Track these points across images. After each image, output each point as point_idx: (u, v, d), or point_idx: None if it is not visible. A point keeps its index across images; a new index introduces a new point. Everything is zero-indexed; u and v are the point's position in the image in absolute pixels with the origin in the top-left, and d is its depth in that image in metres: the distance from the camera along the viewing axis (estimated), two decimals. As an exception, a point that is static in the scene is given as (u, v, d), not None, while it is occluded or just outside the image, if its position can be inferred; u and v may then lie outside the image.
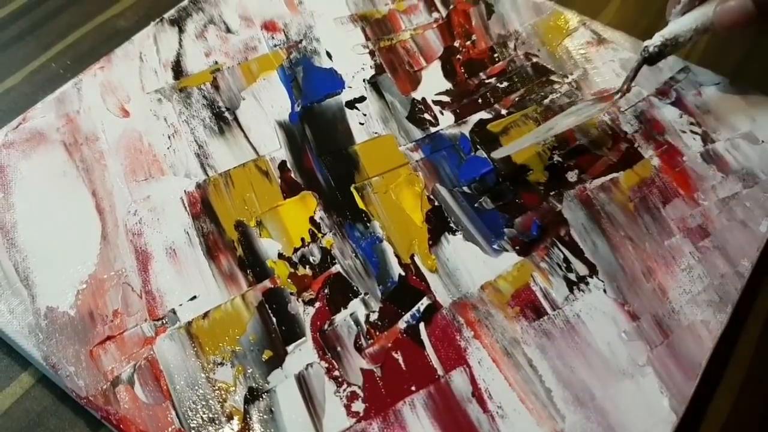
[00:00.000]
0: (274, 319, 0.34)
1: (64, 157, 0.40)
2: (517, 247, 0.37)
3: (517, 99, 0.43)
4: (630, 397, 0.32)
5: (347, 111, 0.42)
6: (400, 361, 0.33)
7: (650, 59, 0.40)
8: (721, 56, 0.48)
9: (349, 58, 0.45)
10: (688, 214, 0.38)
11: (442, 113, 0.43)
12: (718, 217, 0.38)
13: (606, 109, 0.41)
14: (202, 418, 0.32)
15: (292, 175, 0.40)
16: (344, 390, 0.33)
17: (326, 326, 0.34)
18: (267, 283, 0.36)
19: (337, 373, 0.33)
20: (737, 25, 0.39)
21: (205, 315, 0.34)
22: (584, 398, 0.32)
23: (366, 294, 0.35)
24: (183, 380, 0.32)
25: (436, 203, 0.39)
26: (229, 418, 0.32)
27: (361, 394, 0.32)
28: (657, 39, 0.39)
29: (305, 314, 0.35)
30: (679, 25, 0.39)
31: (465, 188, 0.39)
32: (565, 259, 0.37)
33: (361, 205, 0.39)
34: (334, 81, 0.44)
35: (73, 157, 0.40)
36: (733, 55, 0.48)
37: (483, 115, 0.42)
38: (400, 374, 0.33)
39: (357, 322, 0.35)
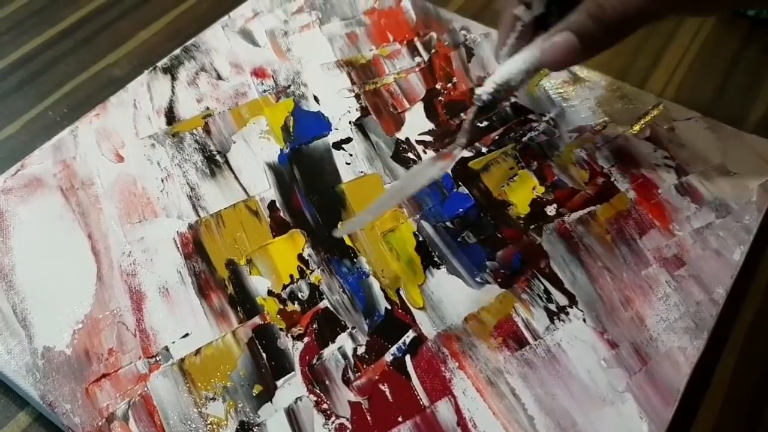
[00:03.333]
0: (263, 355, 0.35)
1: (61, 202, 0.41)
2: (499, 280, 0.38)
3: (496, 137, 0.45)
4: (610, 423, 0.33)
5: (334, 152, 0.44)
6: (387, 392, 0.34)
7: (484, 107, 0.38)
8: (693, 93, 0.50)
9: (336, 102, 0.47)
10: (663, 244, 0.40)
11: (425, 152, 0.44)
12: (693, 246, 0.40)
13: (448, 167, 0.41)
14: (194, 452, 0.32)
15: (281, 214, 0.41)
16: (333, 422, 0.33)
17: (315, 360, 0.35)
18: (257, 320, 0.37)
19: (325, 406, 0.34)
20: (565, 63, 0.38)
21: (197, 352, 0.36)
22: (566, 425, 0.33)
23: (353, 328, 0.37)
24: (176, 415, 0.33)
25: (421, 238, 0.40)
26: (221, 451, 0.32)
27: (350, 426, 0.33)
28: (489, 86, 0.38)
29: (294, 349, 0.36)
30: (508, 67, 0.38)
31: (448, 223, 0.41)
32: (546, 290, 0.38)
33: (348, 241, 0.40)
34: (321, 123, 0.46)
35: (70, 201, 0.41)
36: (704, 91, 0.50)
37: (464, 153, 0.44)
38: (387, 406, 0.34)
39: (345, 356, 0.36)
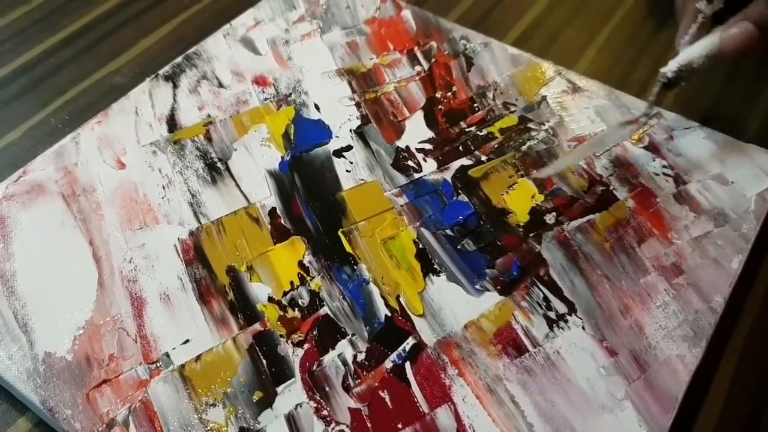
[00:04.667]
0: (264, 361, 0.36)
1: (63, 208, 0.41)
2: (499, 287, 0.39)
3: (496, 146, 0.45)
4: (609, 431, 0.34)
5: (334, 159, 0.44)
6: (387, 399, 0.35)
7: (668, 84, 0.42)
8: (691, 103, 0.50)
9: (337, 110, 0.47)
10: (662, 252, 0.40)
11: (425, 160, 0.44)
12: (692, 255, 0.40)
13: (634, 131, 0.45)
14: (194, 458, 0.32)
15: (282, 221, 0.41)
16: (333, 429, 0.34)
17: (315, 367, 0.36)
18: (257, 326, 0.37)
19: (325, 412, 0.34)
20: (743, 51, 0.41)
21: (198, 358, 0.36)
22: (565, 432, 0.34)
23: (353, 335, 0.37)
24: (177, 421, 0.33)
25: (421, 246, 0.40)
26: (221, 457, 0.33)
27: (349, 432, 0.33)
28: (672, 65, 0.42)
29: (294, 356, 0.36)
30: (691, 52, 0.42)
31: (448, 231, 0.41)
32: (545, 298, 0.38)
33: (348, 248, 0.40)
34: (322, 131, 0.46)
35: (71, 207, 0.41)
36: (703, 101, 0.51)
37: (464, 161, 0.44)
38: (387, 412, 0.34)
39: (345, 363, 0.36)
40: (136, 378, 0.35)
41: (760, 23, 0.40)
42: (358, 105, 0.47)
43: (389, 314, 0.38)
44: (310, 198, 0.42)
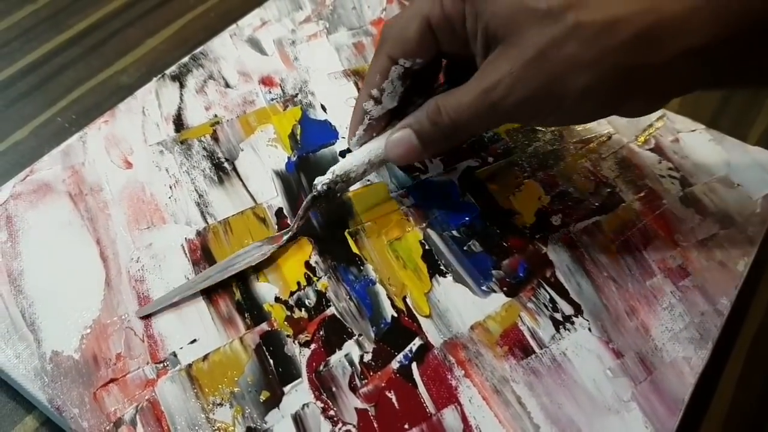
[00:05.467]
0: (271, 361, 0.36)
1: (70, 207, 0.41)
2: (505, 289, 0.39)
3: (502, 147, 0.45)
4: (616, 432, 0.34)
5: (341, 160, 0.44)
6: (394, 400, 0.35)
7: (320, 197, 0.39)
8: (697, 105, 0.50)
9: (343, 111, 0.47)
10: (668, 255, 0.40)
11: (431, 161, 0.45)
12: (698, 257, 0.40)
13: (271, 250, 0.39)
14: (201, 457, 0.33)
15: (289, 221, 0.41)
16: (339, 429, 0.34)
17: (321, 367, 0.36)
18: (264, 326, 0.37)
19: (332, 412, 0.34)
20: (405, 160, 0.38)
21: (205, 357, 0.36)
22: (571, 434, 0.34)
23: (360, 335, 0.37)
24: (184, 421, 0.34)
25: (427, 247, 0.40)
26: (228, 457, 0.33)
27: (356, 433, 0.34)
28: (327, 176, 0.39)
29: (301, 356, 0.36)
30: (352, 159, 0.39)
31: (454, 232, 0.41)
32: (551, 300, 0.38)
33: (354, 249, 0.40)
34: (328, 132, 0.46)
35: (78, 207, 0.41)
36: (708, 103, 0.51)
37: (471, 162, 0.44)
38: (393, 413, 0.34)
39: (351, 363, 0.36)
40: (144, 377, 0.35)
41: (420, 133, 0.37)
42: (364, 106, 0.47)
43: (396, 315, 0.38)
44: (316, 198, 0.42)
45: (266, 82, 0.49)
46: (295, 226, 0.40)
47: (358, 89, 0.48)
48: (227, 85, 0.48)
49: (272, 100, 0.48)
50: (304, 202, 0.39)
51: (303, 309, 0.38)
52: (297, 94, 0.48)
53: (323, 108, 0.47)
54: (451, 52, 0.37)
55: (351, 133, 0.40)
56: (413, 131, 0.37)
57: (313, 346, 0.36)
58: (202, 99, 0.48)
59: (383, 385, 0.35)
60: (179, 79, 0.49)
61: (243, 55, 0.50)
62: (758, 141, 0.46)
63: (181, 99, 0.47)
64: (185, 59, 0.50)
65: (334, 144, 0.45)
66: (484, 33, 0.34)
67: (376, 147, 0.39)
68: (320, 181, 0.39)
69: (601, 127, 0.46)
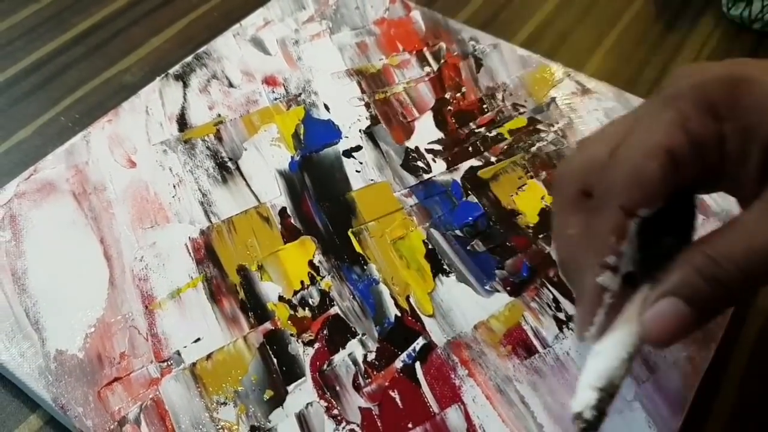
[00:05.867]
0: (274, 360, 0.36)
1: (74, 206, 0.41)
2: (508, 288, 0.39)
3: (505, 147, 0.45)
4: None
5: (344, 159, 0.44)
6: (397, 399, 0.35)
7: (591, 427, 0.27)
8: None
9: (346, 110, 0.47)
10: (671, 254, 0.40)
11: (434, 161, 0.45)
12: (701, 257, 0.40)
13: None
14: (205, 456, 0.33)
15: (292, 220, 0.41)
16: (343, 428, 0.34)
17: (325, 366, 0.36)
18: (268, 325, 0.37)
19: (336, 411, 0.34)
20: (674, 339, 0.28)
21: (209, 356, 0.36)
22: (575, 433, 0.34)
23: (363, 335, 0.37)
24: (188, 419, 0.34)
25: (430, 246, 0.40)
26: (232, 456, 0.33)
27: (360, 432, 0.34)
28: (587, 395, 0.27)
29: (305, 355, 0.36)
30: (606, 359, 0.28)
31: (457, 232, 0.41)
32: (555, 299, 0.38)
33: (358, 248, 0.40)
34: (331, 131, 0.46)
35: (82, 206, 0.42)
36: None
37: (473, 162, 0.44)
38: (397, 412, 0.34)
39: (355, 362, 0.36)
40: (148, 376, 0.35)
41: (691, 298, 0.27)
42: (367, 105, 0.48)
43: (399, 314, 0.38)
44: (320, 198, 0.43)
45: (269, 81, 0.49)
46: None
47: (362, 89, 0.48)
48: (230, 85, 0.49)
49: (275, 99, 0.48)
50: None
51: (306, 308, 0.38)
52: (300, 94, 0.48)
53: (326, 107, 0.47)
54: (689, 185, 0.29)
55: (586, 322, 0.29)
56: (681, 298, 0.27)
57: (316, 345, 0.36)
58: (205, 98, 0.48)
59: (387, 384, 0.35)
60: (183, 78, 0.49)
61: (246, 54, 0.51)
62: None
63: (185, 98, 0.48)
64: (189, 59, 0.50)
65: (337, 143, 0.45)
66: (764, 152, 0.27)
67: (628, 334, 0.28)
68: (584, 406, 0.27)
69: (604, 127, 0.46)
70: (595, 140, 0.31)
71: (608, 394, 0.27)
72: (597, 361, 0.28)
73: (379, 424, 0.34)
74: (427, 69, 0.50)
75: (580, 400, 0.27)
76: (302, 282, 0.39)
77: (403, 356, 0.36)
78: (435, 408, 0.34)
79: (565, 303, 0.38)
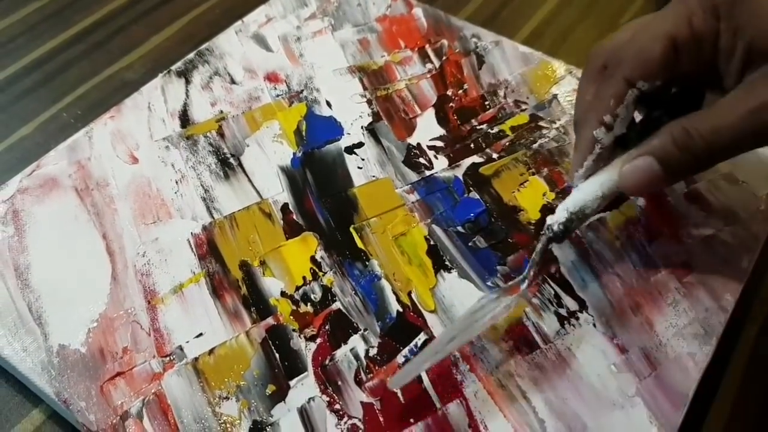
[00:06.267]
0: (277, 355, 0.36)
1: (76, 202, 0.42)
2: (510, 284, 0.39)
3: (507, 144, 0.45)
4: (620, 427, 0.34)
5: (346, 156, 0.45)
6: (399, 394, 0.35)
7: (556, 238, 0.35)
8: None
9: (348, 107, 0.47)
10: (672, 251, 0.40)
11: (436, 157, 0.45)
12: (702, 254, 0.40)
13: (513, 303, 0.36)
14: (208, 450, 0.33)
15: (294, 216, 0.41)
16: (345, 423, 0.34)
17: (327, 361, 0.36)
18: (270, 321, 0.37)
19: (338, 406, 0.34)
20: (644, 190, 0.36)
21: (211, 351, 0.36)
22: (576, 428, 0.34)
23: (365, 330, 0.37)
24: (190, 414, 0.34)
25: (432, 242, 0.40)
26: (235, 450, 0.33)
27: (362, 427, 0.34)
28: (561, 214, 0.35)
29: (307, 350, 0.36)
30: (583, 193, 0.35)
31: (459, 228, 0.41)
32: (556, 295, 0.38)
33: (360, 244, 0.40)
34: (333, 128, 0.46)
35: (85, 201, 0.42)
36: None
37: (475, 159, 0.45)
38: (398, 407, 0.34)
39: (357, 357, 0.36)
40: (150, 371, 0.35)
41: (664, 160, 0.34)
42: (369, 102, 0.48)
43: (401, 310, 0.38)
44: (322, 194, 0.43)
45: (271, 78, 0.49)
46: (531, 272, 0.36)
47: (363, 85, 0.49)
48: (233, 81, 0.49)
49: (278, 96, 0.48)
50: (539, 245, 0.36)
51: (309, 303, 0.38)
52: (302, 91, 0.48)
53: (328, 104, 0.48)
54: (688, 72, 0.35)
55: (577, 164, 0.36)
56: (655, 158, 0.34)
57: (318, 340, 0.36)
58: (207, 95, 0.48)
59: (389, 379, 0.35)
60: (185, 75, 0.49)
61: (248, 51, 0.51)
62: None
63: (187, 95, 0.48)
64: (191, 55, 0.50)
65: (339, 140, 0.45)
66: (746, 50, 0.32)
67: (607, 178, 0.35)
68: (555, 221, 0.35)
69: (606, 124, 0.46)
70: (625, 28, 0.36)
71: (577, 218, 0.35)
72: (577, 193, 0.35)
73: (381, 419, 0.34)
74: (429, 66, 0.50)
75: (554, 217, 0.35)
76: (304, 278, 0.39)
77: (405, 351, 0.36)
78: (437, 403, 0.34)
79: (566, 299, 0.38)
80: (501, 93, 0.48)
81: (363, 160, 0.44)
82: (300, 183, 0.43)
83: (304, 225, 0.41)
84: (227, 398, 0.34)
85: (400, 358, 0.36)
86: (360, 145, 0.45)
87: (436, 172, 0.44)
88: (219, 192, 0.42)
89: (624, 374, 0.35)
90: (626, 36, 0.35)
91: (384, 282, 0.39)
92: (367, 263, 0.40)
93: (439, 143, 0.45)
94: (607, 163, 0.36)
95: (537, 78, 0.49)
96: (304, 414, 0.34)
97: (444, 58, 0.51)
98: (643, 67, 0.34)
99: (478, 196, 0.43)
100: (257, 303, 0.38)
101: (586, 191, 0.35)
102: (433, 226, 0.41)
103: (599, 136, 0.35)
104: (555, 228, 0.35)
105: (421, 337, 0.37)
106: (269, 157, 0.44)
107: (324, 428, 0.33)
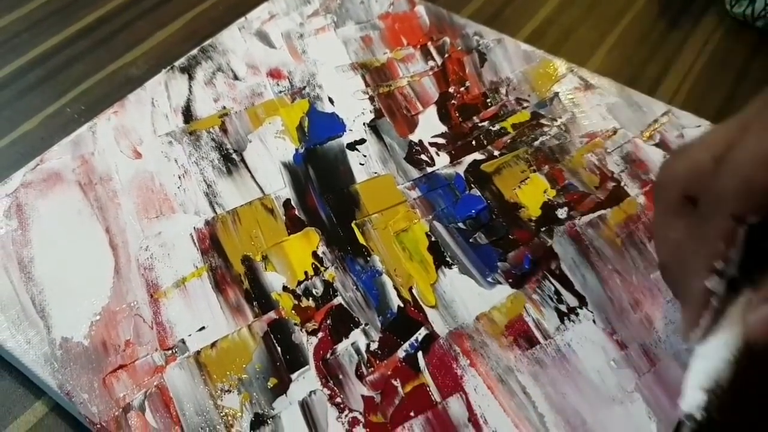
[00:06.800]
0: (278, 349, 0.36)
1: (79, 196, 0.42)
2: (510, 280, 0.39)
3: (508, 141, 0.46)
4: (619, 422, 0.34)
5: (348, 152, 0.45)
6: (399, 388, 0.35)
7: (700, 428, 0.28)
8: (702, 101, 0.50)
9: (350, 104, 0.48)
10: (672, 248, 0.40)
11: (437, 154, 0.45)
12: (702, 251, 0.40)
13: None
14: (209, 442, 0.33)
15: (296, 212, 0.42)
16: (346, 416, 0.34)
17: (328, 355, 0.36)
18: (272, 315, 0.37)
19: (339, 399, 0.34)
20: None
21: (213, 345, 0.36)
22: (576, 423, 0.34)
23: (366, 325, 0.37)
24: (192, 407, 0.34)
25: (433, 238, 0.41)
26: (236, 442, 0.33)
27: (362, 420, 0.34)
28: (695, 396, 0.28)
29: (308, 344, 0.36)
30: (712, 361, 0.29)
31: (460, 224, 0.41)
32: (556, 292, 0.39)
33: (361, 240, 0.40)
34: (335, 125, 0.46)
35: (88, 196, 0.42)
36: (713, 99, 0.51)
37: (477, 156, 0.45)
38: (399, 400, 0.35)
39: (358, 351, 0.36)
40: (152, 364, 0.35)
41: None
42: (371, 99, 0.48)
43: (402, 305, 0.38)
44: (323, 190, 0.43)
45: (274, 74, 0.49)
46: None
47: (366, 82, 0.49)
48: (236, 78, 0.49)
49: (280, 92, 0.48)
50: None
51: (310, 298, 0.38)
52: (305, 87, 0.48)
53: (331, 101, 0.48)
54: None
55: (692, 323, 0.30)
56: None
57: (320, 334, 0.37)
58: (210, 91, 0.48)
59: (389, 373, 0.35)
60: (188, 71, 0.49)
61: (251, 47, 0.51)
62: (763, 138, 0.47)
63: (190, 91, 0.48)
64: (194, 52, 0.50)
65: (341, 136, 0.46)
66: None
67: (732, 337, 0.29)
68: (695, 407, 0.28)
69: (607, 121, 0.47)
70: (697, 147, 0.31)
71: (715, 395, 0.28)
72: (703, 362, 0.29)
73: (381, 413, 0.34)
74: (431, 63, 0.50)
75: (690, 402, 0.28)
76: (306, 273, 0.39)
77: (406, 346, 0.36)
78: (437, 397, 0.35)
79: (567, 295, 0.38)
80: (503, 91, 0.49)
81: (365, 156, 0.45)
82: (302, 179, 0.43)
83: (306, 221, 0.41)
84: (229, 391, 0.34)
85: (400, 353, 0.36)
86: (362, 141, 0.45)
87: (438, 169, 0.44)
88: (222, 187, 0.43)
89: (623, 370, 0.36)
90: (706, 159, 0.30)
91: (385, 277, 0.39)
92: (368, 259, 0.40)
93: (441, 140, 0.46)
94: (719, 318, 0.30)
95: (539, 76, 0.50)
96: (305, 407, 0.34)
97: (446, 55, 0.51)
98: (754, 200, 0.28)
99: (479, 193, 0.43)
100: (259, 297, 0.38)
101: (715, 358, 0.29)
102: (435, 222, 0.41)
103: (715, 288, 0.29)
104: (698, 417, 0.28)
105: (422, 332, 0.37)
106: (272, 153, 0.45)
107: (325, 421, 0.34)
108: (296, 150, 0.45)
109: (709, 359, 0.29)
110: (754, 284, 0.29)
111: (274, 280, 0.39)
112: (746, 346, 0.28)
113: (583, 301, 0.38)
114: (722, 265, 0.29)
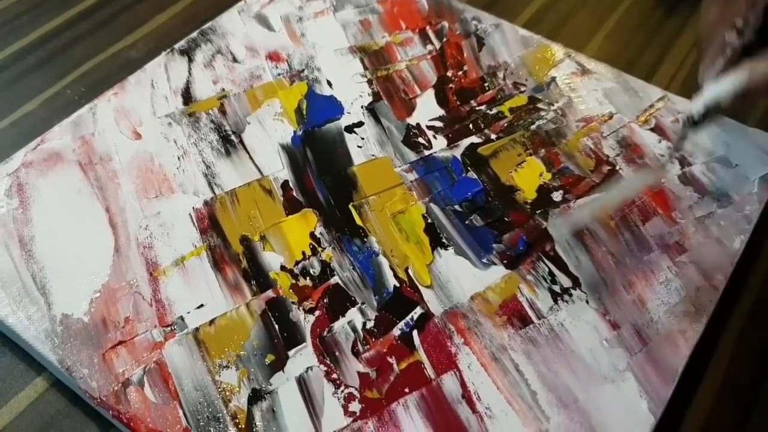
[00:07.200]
0: (276, 326, 0.37)
1: (80, 176, 0.42)
2: (505, 261, 0.39)
3: (505, 125, 0.46)
4: (611, 401, 0.34)
5: (346, 135, 0.45)
6: (395, 365, 0.35)
7: (696, 124, 0.38)
8: (698, 87, 0.51)
9: (349, 87, 0.48)
10: (666, 231, 0.41)
11: (435, 137, 0.45)
12: (695, 234, 0.41)
13: (656, 180, 0.43)
14: (207, 417, 0.33)
15: (294, 193, 0.42)
16: (342, 391, 0.35)
17: (325, 333, 0.36)
18: (270, 293, 0.38)
19: (335, 375, 0.35)
20: None
21: (212, 322, 0.37)
22: (568, 401, 0.34)
23: (363, 304, 0.38)
24: (190, 382, 0.34)
25: (430, 220, 0.41)
26: (234, 417, 0.34)
27: (358, 396, 0.34)
28: (699, 105, 0.38)
29: (306, 322, 0.37)
30: (718, 88, 0.37)
31: (456, 207, 0.42)
32: (550, 273, 0.39)
33: (358, 221, 0.41)
34: (334, 107, 0.47)
35: (88, 175, 0.42)
36: (709, 85, 0.51)
37: (474, 139, 0.45)
38: (394, 377, 0.35)
39: (354, 330, 0.37)
40: (151, 340, 0.36)
41: None
42: (369, 82, 0.48)
43: (398, 285, 0.38)
44: (321, 172, 0.43)
45: (273, 57, 0.50)
46: (677, 154, 0.43)
47: (364, 66, 0.49)
48: (235, 60, 0.49)
49: (279, 75, 0.48)
50: (681, 130, 0.39)
51: (308, 277, 0.38)
52: (303, 70, 0.49)
53: (329, 83, 0.48)
54: None
55: (708, 65, 0.38)
56: None
57: (317, 312, 0.37)
58: (210, 73, 0.48)
59: (385, 350, 0.36)
60: (188, 53, 0.49)
61: (250, 30, 0.51)
62: (758, 124, 0.47)
63: (190, 73, 0.48)
64: (194, 34, 0.51)
65: (339, 119, 0.46)
66: None
67: (740, 78, 0.36)
68: (696, 109, 0.38)
69: (603, 106, 0.47)
70: None
71: (713, 108, 0.37)
72: (712, 89, 0.37)
73: (376, 389, 0.35)
74: (430, 47, 0.51)
75: (693, 108, 0.38)
76: (304, 253, 0.40)
77: (401, 325, 0.37)
78: (431, 374, 0.35)
79: (561, 277, 0.39)
80: (500, 75, 0.49)
81: (363, 139, 0.45)
82: (300, 161, 0.44)
83: (303, 202, 0.42)
84: (227, 367, 0.35)
85: (396, 331, 0.37)
86: (360, 124, 0.46)
87: (435, 152, 0.44)
88: (220, 168, 0.43)
89: (615, 349, 0.36)
90: None
91: (382, 258, 0.39)
92: (365, 239, 0.40)
93: (439, 123, 0.46)
94: (735, 66, 0.37)
95: (536, 61, 0.50)
96: (302, 383, 0.35)
97: (444, 39, 0.51)
98: None
99: (475, 176, 0.43)
100: (257, 276, 0.38)
101: (721, 87, 0.37)
102: (431, 204, 0.42)
103: (730, 40, 0.36)
104: (696, 116, 0.37)
105: (417, 311, 0.37)
106: (270, 135, 0.45)
107: (321, 397, 0.34)
108: (294, 132, 0.45)
109: (718, 87, 0.37)
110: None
111: (272, 259, 0.39)
112: (746, 87, 0.36)
113: (576, 282, 0.39)
114: (741, 23, 0.36)
